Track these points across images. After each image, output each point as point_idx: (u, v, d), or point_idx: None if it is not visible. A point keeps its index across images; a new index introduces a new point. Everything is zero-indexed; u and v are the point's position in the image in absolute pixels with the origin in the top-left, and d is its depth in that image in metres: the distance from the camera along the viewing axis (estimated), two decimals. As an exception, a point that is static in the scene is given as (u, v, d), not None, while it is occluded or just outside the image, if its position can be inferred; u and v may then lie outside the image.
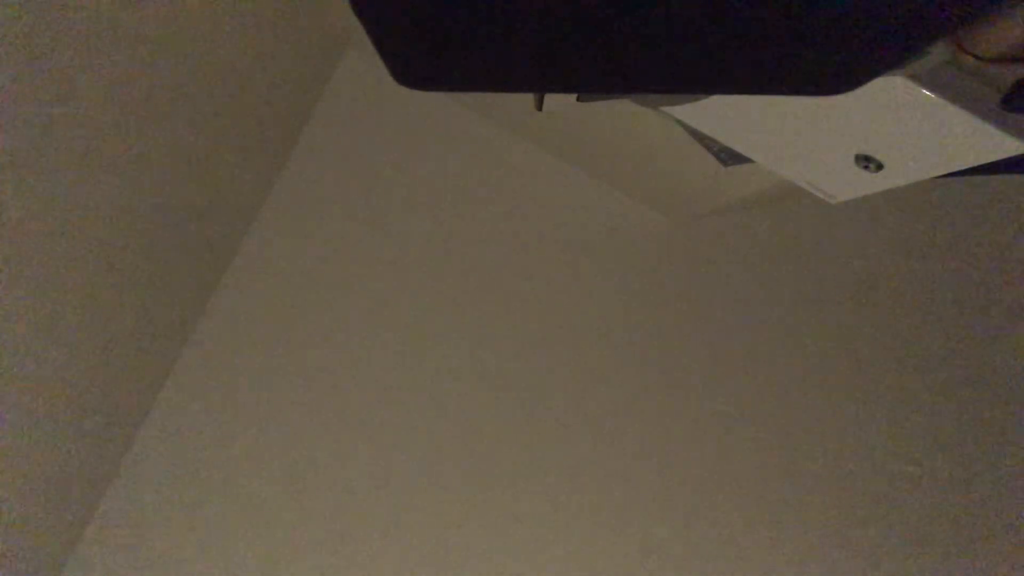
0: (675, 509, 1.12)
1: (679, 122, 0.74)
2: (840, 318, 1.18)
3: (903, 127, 0.43)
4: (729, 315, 1.17)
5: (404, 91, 1.15)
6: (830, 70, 0.17)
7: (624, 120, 0.86)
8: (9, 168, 0.58)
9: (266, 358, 1.10)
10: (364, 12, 0.15)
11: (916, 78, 0.38)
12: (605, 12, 0.14)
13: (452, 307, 1.13)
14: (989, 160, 0.42)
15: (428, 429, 1.10)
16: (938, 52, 0.35)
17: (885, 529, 1.13)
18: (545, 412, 1.12)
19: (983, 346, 1.19)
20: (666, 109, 0.58)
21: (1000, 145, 0.40)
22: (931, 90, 0.39)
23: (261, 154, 1.04)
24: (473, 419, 1.11)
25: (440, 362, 1.12)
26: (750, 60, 0.16)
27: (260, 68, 0.91)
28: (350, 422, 1.09)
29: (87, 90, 0.63)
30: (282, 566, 1.06)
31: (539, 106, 0.50)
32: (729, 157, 0.76)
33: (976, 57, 0.33)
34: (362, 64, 1.15)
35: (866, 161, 0.49)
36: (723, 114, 0.54)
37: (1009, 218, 1.21)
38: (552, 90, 0.19)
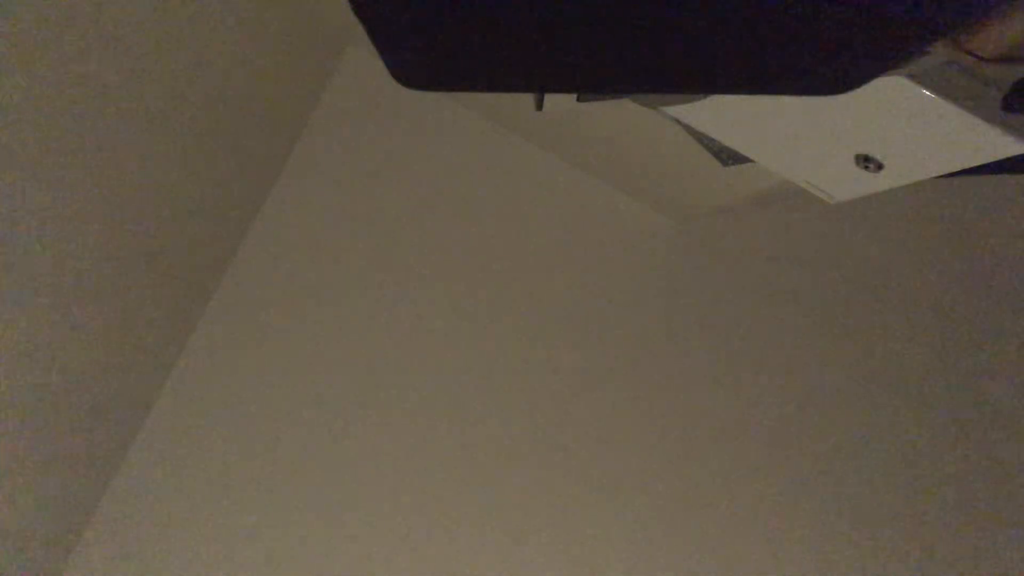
0: (674, 507, 1.12)
1: (679, 122, 0.74)
2: (840, 317, 1.18)
3: (903, 127, 0.43)
4: (728, 315, 1.17)
5: (404, 91, 1.15)
6: (830, 70, 0.17)
7: (624, 120, 0.86)
8: (10, 168, 0.58)
9: (266, 358, 1.10)
10: (364, 12, 0.15)
11: (916, 78, 0.38)
12: (605, 13, 0.14)
13: (452, 307, 1.13)
14: (989, 160, 0.42)
15: (430, 429, 1.10)
16: (938, 52, 0.35)
17: (886, 530, 1.13)
18: (544, 411, 1.12)
19: (984, 345, 1.19)
20: (666, 109, 0.58)
21: (1000, 145, 0.40)
22: (931, 90, 0.39)
23: (261, 153, 1.04)
24: (474, 418, 1.11)
25: (441, 362, 1.12)
26: (751, 60, 0.16)
27: (260, 67, 0.91)
28: (350, 421, 1.09)
29: (88, 90, 0.63)
30: (283, 566, 1.06)
31: (539, 106, 0.50)
32: (729, 157, 0.76)
33: (976, 57, 0.33)
34: (362, 64, 1.15)
35: (866, 161, 0.49)
36: (723, 114, 0.54)
37: (1009, 218, 1.21)
38: (552, 90, 0.19)
